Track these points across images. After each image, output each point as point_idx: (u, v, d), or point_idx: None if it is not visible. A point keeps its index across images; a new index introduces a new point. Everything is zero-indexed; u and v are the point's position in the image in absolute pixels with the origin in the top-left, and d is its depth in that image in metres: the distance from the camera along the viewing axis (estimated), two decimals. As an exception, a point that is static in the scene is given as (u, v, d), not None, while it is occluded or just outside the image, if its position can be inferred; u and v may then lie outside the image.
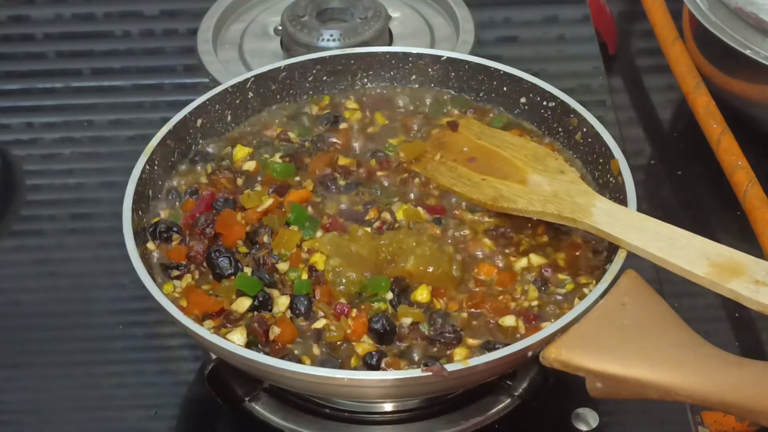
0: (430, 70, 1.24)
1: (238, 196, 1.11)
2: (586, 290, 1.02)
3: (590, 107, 1.15)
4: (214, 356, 1.01)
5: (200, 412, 1.08)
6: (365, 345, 0.99)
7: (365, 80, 1.25)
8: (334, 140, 1.18)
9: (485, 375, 0.97)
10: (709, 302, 1.24)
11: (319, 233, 1.07)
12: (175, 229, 1.07)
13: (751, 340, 1.26)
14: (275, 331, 0.99)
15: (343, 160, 1.16)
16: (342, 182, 1.13)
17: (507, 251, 1.07)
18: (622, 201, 1.05)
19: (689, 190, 1.40)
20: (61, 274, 1.24)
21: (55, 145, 1.40)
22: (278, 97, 1.22)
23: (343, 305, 1.01)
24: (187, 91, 1.42)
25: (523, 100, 1.20)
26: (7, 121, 1.42)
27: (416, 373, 0.92)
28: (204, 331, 0.95)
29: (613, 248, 1.02)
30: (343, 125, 1.20)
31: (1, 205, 1.29)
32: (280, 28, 1.44)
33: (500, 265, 1.06)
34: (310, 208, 1.10)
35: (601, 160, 1.12)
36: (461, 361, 0.93)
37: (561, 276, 1.05)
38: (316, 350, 0.99)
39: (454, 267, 1.04)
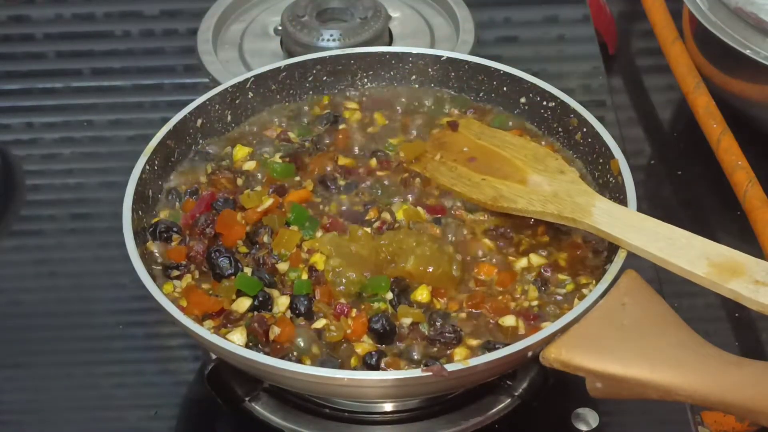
0: (430, 70, 1.24)
1: (238, 196, 1.11)
2: (586, 290, 1.02)
3: (590, 107, 1.15)
4: (214, 356, 1.01)
5: (200, 412, 1.08)
6: (365, 345, 0.99)
7: (365, 80, 1.25)
8: (335, 140, 1.18)
9: (485, 375, 0.97)
10: (709, 302, 1.24)
11: (319, 233, 1.07)
12: (175, 229, 1.07)
13: (751, 340, 1.26)
14: (275, 331, 0.99)
15: (343, 160, 1.16)
16: (342, 182, 1.13)
17: (507, 251, 1.07)
18: (622, 201, 1.05)
19: (689, 190, 1.40)
20: (61, 274, 1.24)
21: (55, 145, 1.40)
22: (278, 97, 1.22)
23: (343, 305, 1.01)
24: (187, 91, 1.42)
25: (523, 100, 1.20)
26: (7, 121, 1.42)
27: (416, 373, 0.92)
28: (204, 331, 0.95)
29: (613, 248, 1.02)
30: (343, 125, 1.20)
31: (1, 205, 1.29)
32: (280, 28, 1.44)
33: (500, 265, 1.06)
34: (309, 210, 1.10)
35: (601, 160, 1.12)
36: (461, 361, 0.93)
37: (561, 276, 1.05)
38: (316, 350, 0.99)
39: (454, 267, 1.04)
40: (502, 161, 1.13)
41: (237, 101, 1.19)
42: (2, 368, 1.13)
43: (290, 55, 1.39)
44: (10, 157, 1.35)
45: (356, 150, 1.18)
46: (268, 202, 1.09)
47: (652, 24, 1.46)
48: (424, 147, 1.17)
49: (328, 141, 1.18)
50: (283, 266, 1.04)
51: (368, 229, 1.07)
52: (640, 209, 1.03)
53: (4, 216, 1.28)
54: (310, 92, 1.24)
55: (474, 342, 0.99)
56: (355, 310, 1.00)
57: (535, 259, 1.06)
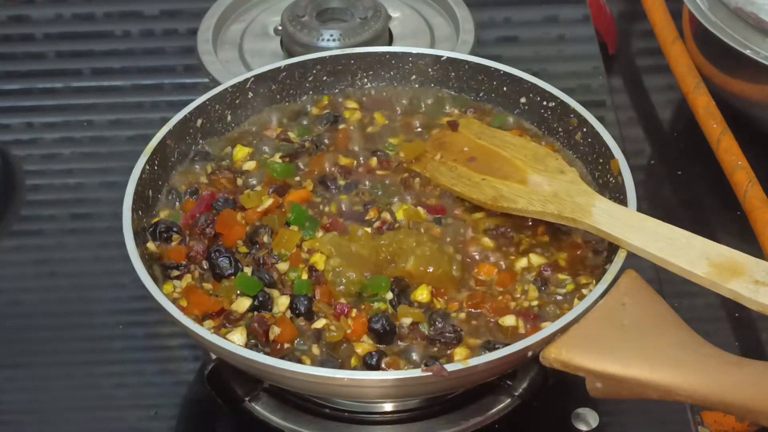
0: (430, 70, 1.24)
1: (238, 196, 1.11)
2: (586, 290, 1.02)
3: (590, 107, 1.15)
4: (214, 356, 1.01)
5: (200, 412, 1.08)
6: (365, 345, 0.99)
7: (365, 80, 1.25)
8: (335, 140, 1.18)
9: (485, 375, 0.97)
10: (709, 302, 1.24)
11: (319, 233, 1.07)
12: (175, 229, 1.07)
13: (751, 340, 1.26)
14: (275, 331, 0.99)
15: (343, 160, 1.16)
16: (342, 182, 1.13)
17: (507, 251, 1.07)
18: (622, 201, 1.05)
19: (689, 190, 1.40)
20: (61, 274, 1.24)
21: (55, 145, 1.40)
22: (278, 97, 1.22)
23: (343, 305, 1.01)
24: (187, 91, 1.42)
25: (523, 100, 1.20)
26: (7, 121, 1.42)
27: (416, 373, 0.92)
28: (204, 331, 0.95)
29: (613, 248, 1.02)
30: (342, 125, 1.20)
31: (1, 205, 1.29)
32: (280, 28, 1.44)
33: (500, 265, 1.06)
34: (309, 210, 1.10)
35: (601, 160, 1.12)
36: (461, 361, 0.93)
37: (561, 276, 1.05)
38: (316, 350, 0.99)
39: (454, 267, 1.04)
40: (502, 161, 1.13)
41: (237, 101, 1.19)
42: (2, 368, 1.13)
43: (290, 55, 1.39)
44: (10, 157, 1.35)
45: (356, 150, 1.18)
46: (268, 202, 1.09)
47: (652, 24, 1.46)
48: (424, 147, 1.17)
49: (328, 141, 1.18)
50: (283, 266, 1.04)
51: (368, 229, 1.07)
52: (640, 209, 1.03)
53: (4, 216, 1.28)
54: (310, 92, 1.24)
55: (474, 342, 0.99)
56: (355, 310, 1.00)
57: (535, 259, 1.06)
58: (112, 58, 1.50)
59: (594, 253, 1.06)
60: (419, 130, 1.20)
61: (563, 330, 0.94)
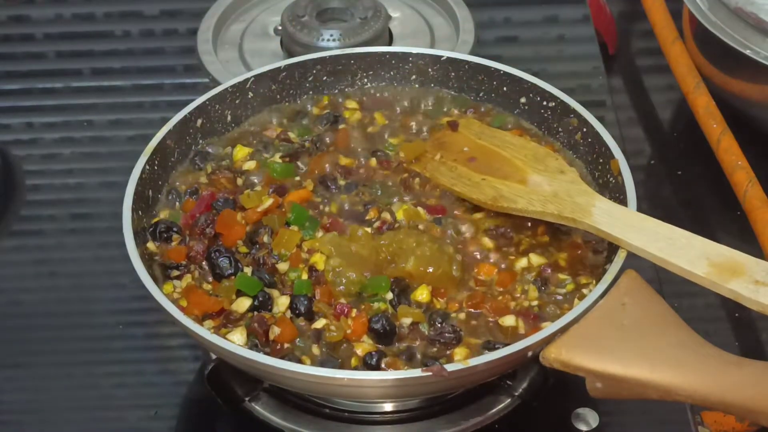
0: (430, 70, 1.24)
1: (238, 196, 1.11)
2: (586, 290, 1.02)
3: (590, 107, 1.15)
4: (214, 356, 1.01)
5: (200, 412, 1.08)
6: (365, 345, 0.99)
7: (365, 80, 1.25)
8: (335, 140, 1.18)
9: (485, 375, 0.97)
10: (709, 302, 1.24)
11: (319, 233, 1.07)
12: (175, 229, 1.07)
13: (751, 340, 1.26)
14: (275, 331, 0.99)
15: (343, 160, 1.16)
16: (342, 182, 1.13)
17: (507, 251, 1.07)
18: (622, 201, 1.05)
19: (689, 190, 1.40)
20: (61, 274, 1.24)
21: (55, 145, 1.40)
22: (278, 97, 1.22)
23: (343, 305, 1.01)
24: (187, 91, 1.42)
25: (523, 100, 1.20)
26: (7, 121, 1.42)
27: (416, 373, 0.92)
28: (204, 331, 0.95)
29: (613, 248, 1.02)
30: (342, 125, 1.20)
31: (1, 205, 1.29)
32: (280, 28, 1.44)
33: (500, 265, 1.06)
34: (309, 210, 1.10)
35: (601, 160, 1.12)
36: (461, 361, 0.93)
37: (561, 276, 1.05)
38: (316, 350, 0.99)
39: (454, 267, 1.04)
40: (502, 161, 1.13)
41: (237, 101, 1.19)
42: (2, 368, 1.13)
43: (290, 55, 1.39)
44: (10, 157, 1.35)
45: (356, 150, 1.18)
46: (268, 202, 1.09)
47: (652, 24, 1.46)
48: (424, 147, 1.17)
49: (328, 141, 1.18)
50: (283, 266, 1.04)
51: (368, 229, 1.07)
52: (640, 209, 1.03)
53: (4, 216, 1.28)
54: (310, 92, 1.24)
55: (474, 342, 0.99)
56: (355, 310, 1.00)
57: (535, 259, 1.06)
58: (112, 58, 1.50)
59: (594, 253, 1.06)
60: (419, 130, 1.20)
61: (563, 330, 0.94)
